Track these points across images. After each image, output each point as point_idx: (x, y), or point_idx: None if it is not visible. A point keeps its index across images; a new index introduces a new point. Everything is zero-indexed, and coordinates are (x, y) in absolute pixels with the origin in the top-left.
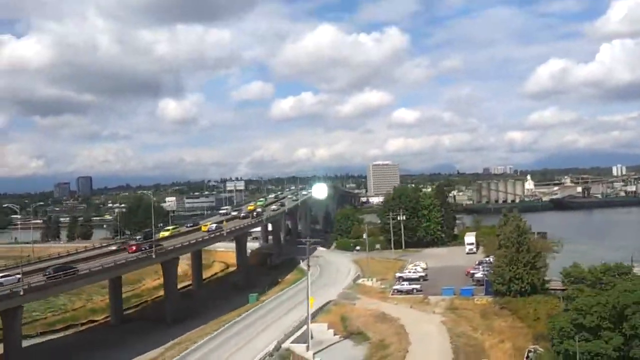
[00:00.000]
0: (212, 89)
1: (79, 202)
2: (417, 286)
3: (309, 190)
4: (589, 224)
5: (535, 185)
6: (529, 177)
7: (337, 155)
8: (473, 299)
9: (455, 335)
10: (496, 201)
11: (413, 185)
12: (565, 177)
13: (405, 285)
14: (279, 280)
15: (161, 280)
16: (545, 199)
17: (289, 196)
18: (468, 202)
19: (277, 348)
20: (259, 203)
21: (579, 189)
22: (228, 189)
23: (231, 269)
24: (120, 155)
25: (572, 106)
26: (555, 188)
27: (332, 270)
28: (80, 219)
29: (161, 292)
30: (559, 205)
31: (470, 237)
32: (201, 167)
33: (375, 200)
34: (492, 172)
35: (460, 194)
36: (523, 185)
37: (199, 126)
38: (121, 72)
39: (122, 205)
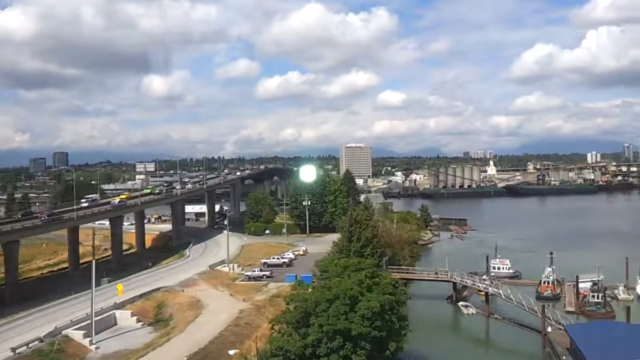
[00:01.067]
0: (198, 65)
1: (49, 179)
2: (267, 273)
3: (237, 174)
4: (519, 211)
5: (498, 171)
6: (491, 162)
7: (324, 136)
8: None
9: (237, 322)
10: (452, 186)
11: (389, 168)
12: (529, 163)
13: (256, 272)
14: (157, 262)
15: (49, 262)
16: (500, 185)
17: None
18: (427, 187)
19: (55, 334)
20: (146, 191)
21: (552, 174)
22: (138, 169)
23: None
24: (106, 130)
25: (557, 92)
26: (518, 174)
27: (211, 254)
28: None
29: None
30: (512, 191)
31: None
32: (187, 145)
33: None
34: (472, 157)
35: (424, 178)
36: (479, 171)
37: (184, 103)
38: (106, 46)
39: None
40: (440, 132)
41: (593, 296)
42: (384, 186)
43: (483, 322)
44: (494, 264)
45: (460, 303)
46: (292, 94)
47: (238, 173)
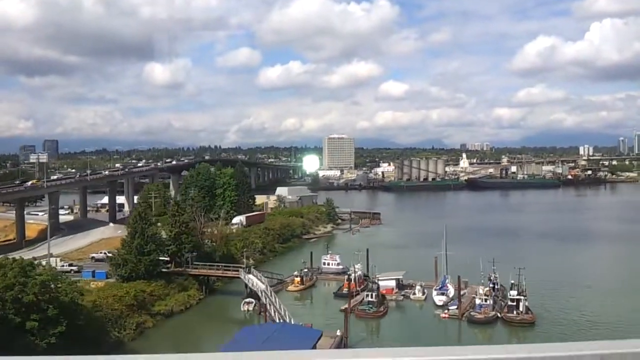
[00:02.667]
0: (199, 54)
1: (31, 166)
2: (75, 268)
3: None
4: (455, 205)
5: (472, 164)
6: (464, 155)
7: (326, 126)
8: (99, 281)
9: None
10: (417, 179)
11: (377, 159)
12: (503, 156)
13: (65, 266)
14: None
15: None
16: (464, 178)
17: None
18: (391, 179)
19: None
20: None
21: (514, 168)
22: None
23: None
24: (109, 118)
25: (560, 85)
26: (491, 169)
27: (65, 246)
28: None
29: None
30: (473, 185)
31: (238, 217)
32: (189, 133)
33: (328, 173)
34: (470, 149)
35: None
36: (444, 165)
37: (186, 91)
38: (107, 33)
39: (73, 169)
40: (443, 123)
41: (367, 295)
42: (351, 178)
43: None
44: (324, 260)
45: (247, 299)
46: (293, 84)
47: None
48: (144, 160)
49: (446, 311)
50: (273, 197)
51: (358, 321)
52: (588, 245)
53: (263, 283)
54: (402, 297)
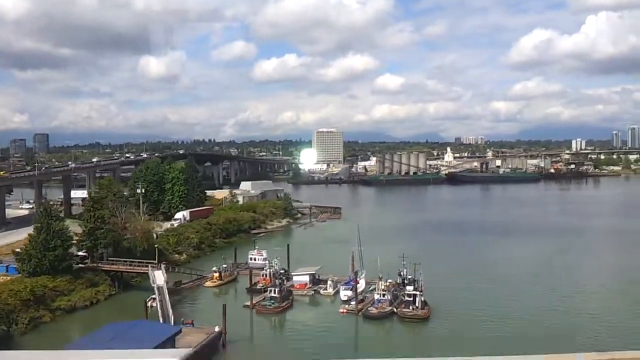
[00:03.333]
0: (194, 47)
1: (19, 160)
2: None
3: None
4: (424, 200)
5: (456, 158)
6: (448, 149)
7: (323, 119)
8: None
9: None
10: (398, 172)
11: (368, 153)
12: (488, 150)
13: None
14: None
15: None
16: (444, 172)
17: None
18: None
19: None
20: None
21: (498, 162)
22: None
23: None
24: (104, 112)
25: (556, 78)
26: (475, 163)
27: None
28: None
29: None
30: (452, 179)
31: (181, 213)
32: (186, 127)
33: (315, 167)
34: (464, 142)
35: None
36: (425, 158)
37: (181, 85)
38: (99, 26)
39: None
40: (440, 117)
41: (271, 290)
42: (334, 172)
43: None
44: (251, 254)
45: (153, 295)
46: (289, 77)
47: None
48: (127, 154)
49: (345, 306)
50: (236, 192)
51: (259, 317)
52: (530, 239)
53: (162, 279)
54: (312, 292)
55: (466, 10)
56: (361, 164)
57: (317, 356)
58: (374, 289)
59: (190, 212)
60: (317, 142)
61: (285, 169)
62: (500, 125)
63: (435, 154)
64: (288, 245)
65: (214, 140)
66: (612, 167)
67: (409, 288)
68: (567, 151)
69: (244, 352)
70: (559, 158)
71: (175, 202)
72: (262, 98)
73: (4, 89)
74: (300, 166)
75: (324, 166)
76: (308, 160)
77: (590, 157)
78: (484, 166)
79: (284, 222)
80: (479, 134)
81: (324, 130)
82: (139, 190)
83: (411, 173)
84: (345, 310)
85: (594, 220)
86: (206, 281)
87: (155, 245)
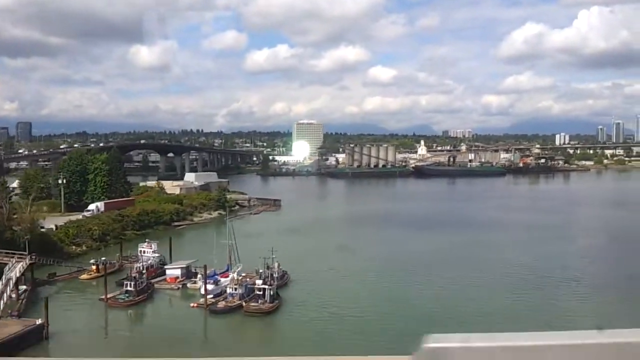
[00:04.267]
0: (185, 36)
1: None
2: None
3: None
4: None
5: (430, 151)
6: (422, 142)
7: (315, 111)
8: None
9: None
10: (368, 165)
11: (352, 145)
12: (462, 144)
13: None
14: None
15: None
16: (412, 165)
17: None
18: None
19: None
20: None
21: (471, 155)
22: None
23: None
24: (96, 100)
25: (547, 72)
26: (442, 157)
27: None
28: None
29: None
30: (419, 172)
31: (94, 204)
32: (178, 117)
33: (290, 159)
34: (452, 135)
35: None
36: (394, 152)
37: (172, 74)
38: (90, 14)
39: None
40: (431, 109)
41: (127, 284)
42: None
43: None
44: (140, 248)
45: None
46: (280, 68)
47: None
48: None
49: (197, 301)
50: (177, 183)
51: (111, 310)
52: (449, 232)
53: (16, 271)
54: (180, 286)
55: (459, 2)
56: (340, 156)
57: (141, 348)
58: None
59: (105, 204)
60: (297, 133)
61: (259, 160)
62: (491, 118)
63: (433, 146)
64: (170, 238)
65: (202, 130)
66: (584, 162)
67: (259, 282)
68: (538, 146)
69: (65, 344)
70: (529, 152)
71: (98, 193)
72: (254, 89)
73: None
74: (283, 158)
75: (301, 158)
76: (300, 152)
77: (568, 152)
78: (452, 160)
79: (215, 214)
80: (470, 127)
81: (304, 122)
82: (60, 181)
83: (380, 166)
84: (195, 305)
85: (526, 215)
86: (82, 274)
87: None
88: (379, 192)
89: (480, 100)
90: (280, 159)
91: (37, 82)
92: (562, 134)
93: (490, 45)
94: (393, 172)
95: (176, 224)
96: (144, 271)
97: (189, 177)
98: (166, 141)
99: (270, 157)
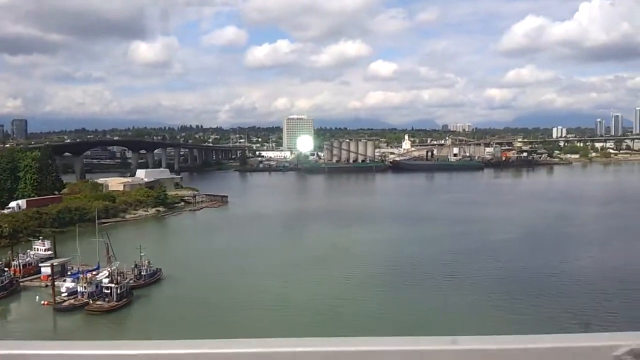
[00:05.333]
0: (185, 32)
1: None
2: None
3: None
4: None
5: (414, 145)
6: (406, 136)
7: (316, 106)
8: None
9: None
10: (347, 160)
11: (347, 140)
12: (447, 138)
13: None
14: None
15: None
16: (389, 160)
17: None
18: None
19: None
20: None
21: (456, 149)
22: None
23: None
24: (98, 97)
25: (549, 65)
26: (434, 150)
27: None
28: None
29: None
30: (396, 167)
31: (15, 202)
32: (180, 113)
33: (275, 154)
34: (451, 129)
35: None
36: (373, 146)
37: (173, 70)
38: (88, 10)
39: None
40: (434, 104)
41: None
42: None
43: None
44: (35, 245)
45: None
46: (281, 63)
47: None
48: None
49: (51, 299)
50: (123, 180)
51: None
52: (376, 227)
53: None
54: (49, 283)
55: None
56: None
57: None
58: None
59: (28, 201)
60: (287, 129)
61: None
62: (494, 112)
63: (428, 141)
64: (54, 236)
65: (202, 126)
66: (570, 156)
67: (105, 280)
68: (520, 139)
69: None
70: (511, 146)
71: (28, 191)
72: (256, 84)
73: None
74: (270, 153)
75: (287, 153)
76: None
77: (559, 145)
78: (430, 154)
79: (153, 211)
80: (473, 121)
81: (294, 117)
82: None
83: (359, 161)
84: (46, 303)
85: (470, 209)
86: None
87: None
88: (344, 187)
89: (483, 94)
90: (268, 154)
91: (38, 80)
92: (560, 127)
93: (491, 39)
94: (370, 167)
95: (104, 221)
96: (6, 268)
97: (140, 173)
98: (159, 138)
99: (257, 153)
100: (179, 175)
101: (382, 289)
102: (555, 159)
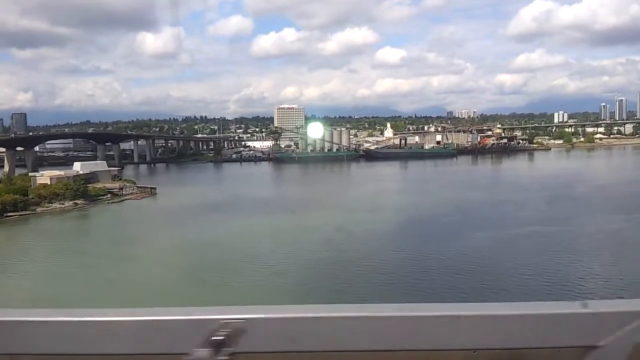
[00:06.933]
0: (190, 22)
1: None
2: None
3: None
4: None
5: (395, 133)
6: (388, 125)
7: (326, 94)
8: None
9: None
10: (322, 149)
11: (342, 129)
12: (430, 125)
13: None
14: None
15: None
16: (362, 148)
17: None
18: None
19: None
20: None
21: (439, 137)
22: None
23: None
24: (108, 89)
25: (559, 50)
26: (416, 138)
27: None
28: None
29: None
30: (368, 155)
31: None
32: (189, 104)
33: (261, 144)
34: (457, 116)
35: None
36: (348, 135)
37: (181, 61)
38: (94, 2)
39: None
40: (444, 90)
41: None
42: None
43: None
44: None
45: None
46: (288, 52)
47: None
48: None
49: None
50: (54, 173)
51: None
52: (277, 216)
53: None
54: None
55: None
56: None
57: None
58: None
59: None
60: (278, 118)
61: (232, 146)
62: (505, 97)
63: (433, 128)
64: None
65: (206, 117)
66: (553, 141)
67: None
68: (499, 126)
69: None
70: (491, 133)
71: None
72: (264, 74)
73: (4, 67)
74: (256, 143)
75: (269, 143)
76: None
77: (550, 130)
78: (403, 142)
79: (70, 204)
80: (485, 107)
81: (285, 106)
82: None
83: (334, 150)
84: None
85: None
86: None
87: None
88: (302, 177)
89: (493, 80)
90: (253, 144)
91: (48, 73)
92: (561, 112)
93: (500, 24)
94: (341, 156)
95: (10, 214)
96: None
97: (76, 166)
98: (157, 129)
99: (243, 143)
100: (120, 167)
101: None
102: (534, 145)
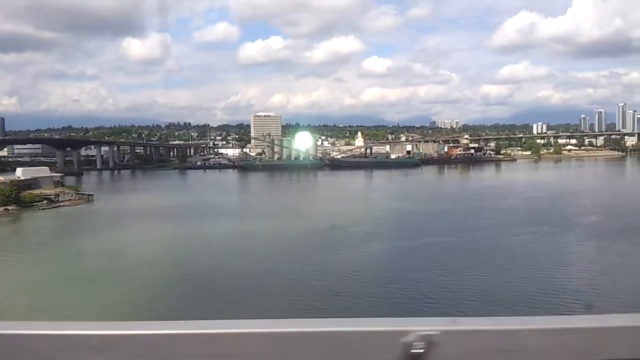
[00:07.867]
0: (176, 29)
1: None
2: None
3: None
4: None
5: (368, 142)
6: (359, 134)
7: (313, 102)
8: None
9: None
10: (289, 157)
11: (323, 138)
12: (402, 135)
13: None
14: None
15: None
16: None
17: None
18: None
19: None
20: None
21: (409, 147)
22: None
23: None
24: (94, 94)
25: (543, 61)
26: (387, 147)
27: None
28: None
29: None
30: (333, 164)
31: None
32: (175, 111)
33: (233, 152)
34: (440, 126)
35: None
36: (315, 143)
37: (167, 68)
38: (79, 8)
39: None
40: (430, 100)
41: None
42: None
43: None
44: None
45: None
46: (275, 60)
47: None
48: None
49: None
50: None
51: None
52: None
53: None
54: None
55: None
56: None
57: None
58: None
59: None
60: (255, 126)
61: (203, 153)
62: (491, 108)
63: (404, 138)
64: None
65: (189, 123)
66: (520, 152)
67: None
68: (467, 136)
69: None
70: (458, 143)
71: None
72: (251, 81)
73: None
74: (228, 151)
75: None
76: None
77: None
78: (369, 152)
79: (0, 209)
80: (470, 117)
81: (262, 114)
82: None
83: (301, 158)
84: None
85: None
86: None
87: None
88: (257, 185)
89: (479, 91)
90: (226, 152)
91: (32, 77)
92: (539, 123)
93: (486, 35)
94: (305, 165)
95: None
96: None
97: (18, 172)
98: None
99: (216, 150)
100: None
101: None
102: (500, 156)
